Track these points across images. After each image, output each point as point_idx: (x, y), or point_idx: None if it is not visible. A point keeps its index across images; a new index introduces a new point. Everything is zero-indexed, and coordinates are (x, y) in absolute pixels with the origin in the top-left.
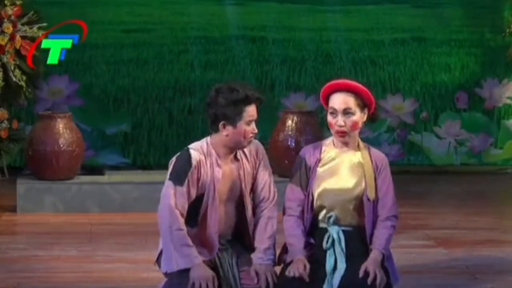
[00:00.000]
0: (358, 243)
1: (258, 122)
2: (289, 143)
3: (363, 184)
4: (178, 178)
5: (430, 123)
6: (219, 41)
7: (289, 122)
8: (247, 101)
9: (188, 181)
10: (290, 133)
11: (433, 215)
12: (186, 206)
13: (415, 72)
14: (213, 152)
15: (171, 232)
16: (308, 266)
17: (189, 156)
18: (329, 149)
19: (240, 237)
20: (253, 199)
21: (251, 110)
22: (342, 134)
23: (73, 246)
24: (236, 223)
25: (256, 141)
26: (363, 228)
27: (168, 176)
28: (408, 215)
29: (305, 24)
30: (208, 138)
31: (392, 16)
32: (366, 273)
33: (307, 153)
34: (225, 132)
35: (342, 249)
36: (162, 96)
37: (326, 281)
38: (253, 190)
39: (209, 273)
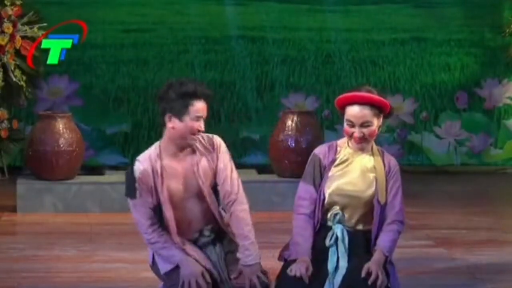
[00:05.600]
0: (361, 244)
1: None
2: (289, 143)
3: (374, 188)
4: (130, 192)
5: (430, 123)
6: (219, 41)
7: (289, 122)
8: (195, 95)
9: (140, 192)
10: (290, 133)
11: (433, 215)
12: (151, 213)
13: (415, 72)
14: (163, 154)
15: (147, 241)
16: (311, 268)
17: (132, 169)
18: (344, 149)
19: (223, 232)
20: (220, 195)
21: (199, 105)
22: (361, 141)
23: (73, 246)
24: (210, 219)
25: (214, 135)
26: (367, 231)
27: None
28: (408, 215)
29: (305, 24)
30: (161, 139)
31: (392, 16)
32: (368, 273)
33: (322, 152)
34: (171, 124)
35: (345, 248)
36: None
37: (327, 280)
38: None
39: (198, 268)
